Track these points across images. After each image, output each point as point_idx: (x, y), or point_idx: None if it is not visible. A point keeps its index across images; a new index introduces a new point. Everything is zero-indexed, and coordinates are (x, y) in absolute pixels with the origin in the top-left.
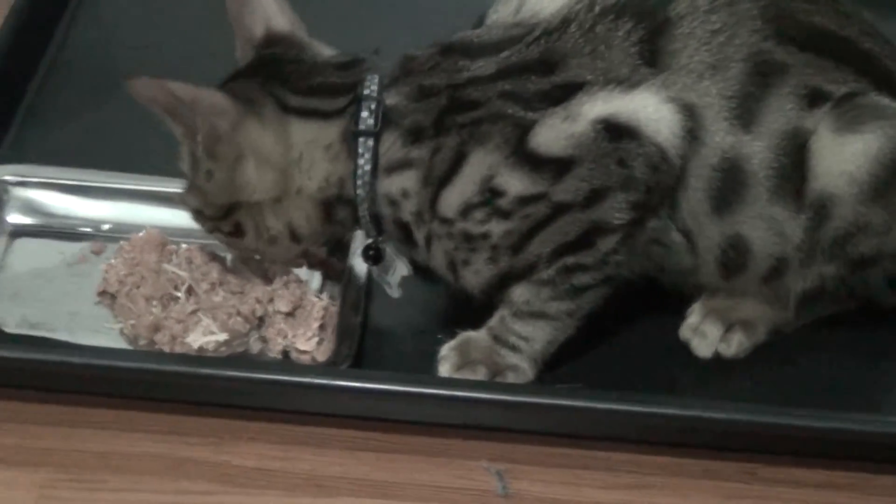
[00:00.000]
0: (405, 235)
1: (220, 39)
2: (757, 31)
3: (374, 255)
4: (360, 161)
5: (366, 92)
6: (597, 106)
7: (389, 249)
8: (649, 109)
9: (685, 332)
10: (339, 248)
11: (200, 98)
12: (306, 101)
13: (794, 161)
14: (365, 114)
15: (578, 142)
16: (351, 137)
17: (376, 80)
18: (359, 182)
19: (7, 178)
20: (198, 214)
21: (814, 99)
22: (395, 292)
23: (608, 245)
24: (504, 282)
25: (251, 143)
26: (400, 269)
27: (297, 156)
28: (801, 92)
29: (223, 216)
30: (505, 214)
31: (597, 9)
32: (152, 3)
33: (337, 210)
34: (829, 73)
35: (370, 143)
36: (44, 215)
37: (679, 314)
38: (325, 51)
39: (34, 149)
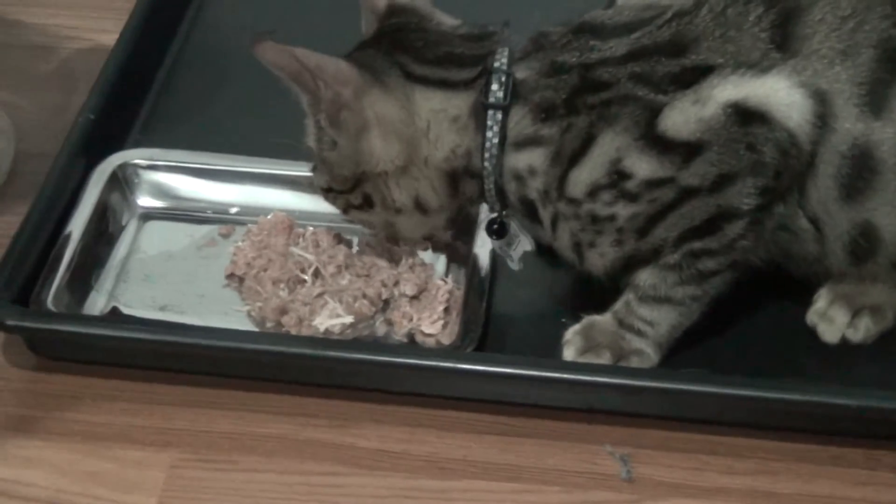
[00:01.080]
0: (530, 213)
1: (346, 23)
2: (887, 17)
3: (497, 230)
4: (489, 134)
5: (496, 65)
6: (727, 90)
7: (513, 224)
8: (780, 94)
9: (812, 317)
10: (464, 231)
11: (324, 65)
12: (432, 71)
13: None
14: (495, 86)
15: (708, 126)
16: (480, 110)
17: (506, 54)
18: (486, 155)
19: (137, 161)
20: (327, 192)
21: None
22: (515, 265)
23: (735, 230)
24: (629, 265)
25: (375, 111)
26: (523, 243)
27: (423, 125)
28: None
29: (351, 188)
30: (632, 197)
31: None
32: None
33: (463, 182)
34: None
35: (499, 116)
36: (173, 198)
37: (805, 299)
38: (449, 21)
39: (163, 133)
